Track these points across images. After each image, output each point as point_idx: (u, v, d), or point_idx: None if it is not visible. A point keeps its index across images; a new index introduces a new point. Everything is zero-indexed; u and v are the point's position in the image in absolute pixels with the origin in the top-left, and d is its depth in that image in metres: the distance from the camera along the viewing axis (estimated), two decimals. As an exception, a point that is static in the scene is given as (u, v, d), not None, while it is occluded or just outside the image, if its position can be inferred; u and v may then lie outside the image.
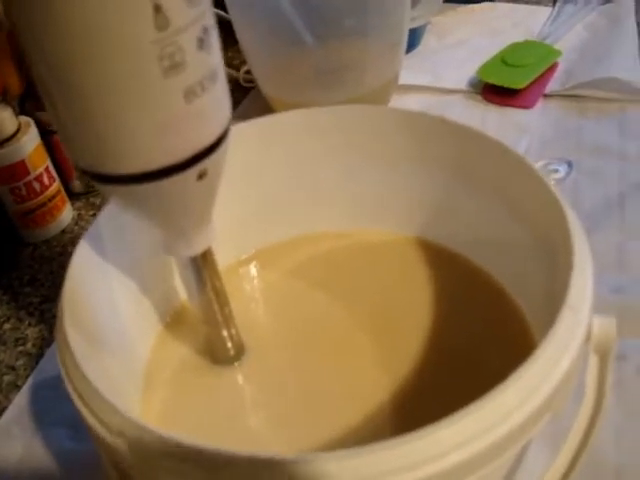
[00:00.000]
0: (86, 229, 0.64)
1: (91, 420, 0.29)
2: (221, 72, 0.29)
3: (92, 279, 0.37)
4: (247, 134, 0.42)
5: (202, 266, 0.35)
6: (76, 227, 0.68)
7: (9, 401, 0.51)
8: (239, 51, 0.70)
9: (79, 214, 0.69)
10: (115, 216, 0.39)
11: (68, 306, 0.33)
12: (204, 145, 0.29)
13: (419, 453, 0.24)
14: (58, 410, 0.49)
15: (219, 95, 0.29)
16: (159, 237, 0.34)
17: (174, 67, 0.26)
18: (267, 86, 0.71)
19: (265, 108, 0.73)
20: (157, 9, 0.24)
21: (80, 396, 0.30)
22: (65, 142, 0.30)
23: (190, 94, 0.27)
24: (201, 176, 0.30)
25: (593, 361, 0.32)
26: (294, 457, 0.24)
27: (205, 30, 0.27)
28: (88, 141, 0.28)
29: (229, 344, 0.40)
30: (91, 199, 0.71)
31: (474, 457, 0.25)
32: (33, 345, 0.56)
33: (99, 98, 0.26)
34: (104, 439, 0.28)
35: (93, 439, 0.36)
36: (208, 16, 0.27)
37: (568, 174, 0.61)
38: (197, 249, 0.34)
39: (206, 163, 0.29)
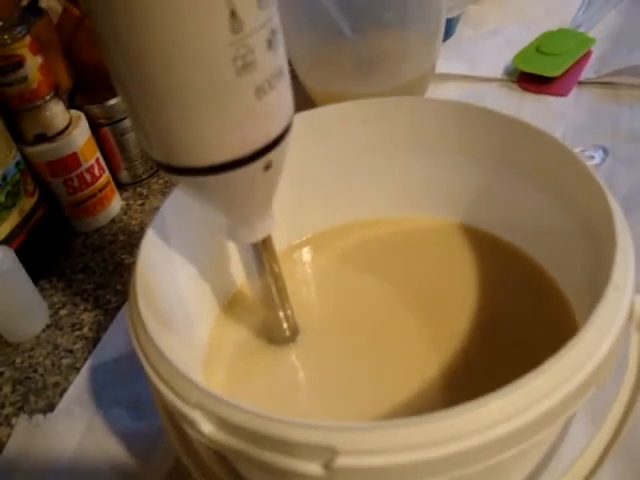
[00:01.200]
0: (134, 218, 0.67)
1: (164, 390, 0.30)
2: (286, 69, 0.31)
3: (158, 263, 0.39)
4: (302, 124, 0.43)
5: (262, 251, 0.37)
6: (125, 216, 0.70)
7: (69, 382, 0.53)
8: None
9: (127, 204, 0.72)
10: (179, 205, 0.41)
11: (140, 284, 0.35)
12: (271, 138, 0.31)
13: (468, 425, 0.26)
14: (117, 390, 0.51)
15: (284, 91, 0.31)
16: (223, 224, 0.36)
17: (246, 67, 0.28)
18: (307, 78, 0.72)
19: (305, 99, 0.74)
20: (233, 14, 0.26)
21: (154, 368, 0.31)
22: (139, 134, 0.32)
23: (260, 91, 0.29)
24: (267, 167, 0.31)
25: (635, 338, 0.33)
26: (352, 425, 0.26)
27: (273, 31, 0.29)
28: (162, 135, 0.30)
29: (285, 325, 0.42)
30: (138, 189, 0.73)
31: (520, 430, 0.26)
32: (89, 329, 0.58)
33: (175, 96, 0.28)
34: (177, 409, 0.30)
35: (160, 408, 0.38)
36: (275, 18, 0.29)
37: (603, 160, 0.62)
38: (259, 236, 0.36)
39: (272, 155, 0.31)
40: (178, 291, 0.41)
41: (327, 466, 0.26)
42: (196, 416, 0.29)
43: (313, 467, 0.27)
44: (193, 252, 0.42)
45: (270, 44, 0.29)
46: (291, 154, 0.36)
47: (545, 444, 0.36)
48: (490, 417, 0.26)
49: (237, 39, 0.27)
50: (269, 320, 0.42)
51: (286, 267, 0.41)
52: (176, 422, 0.36)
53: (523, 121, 0.41)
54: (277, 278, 0.39)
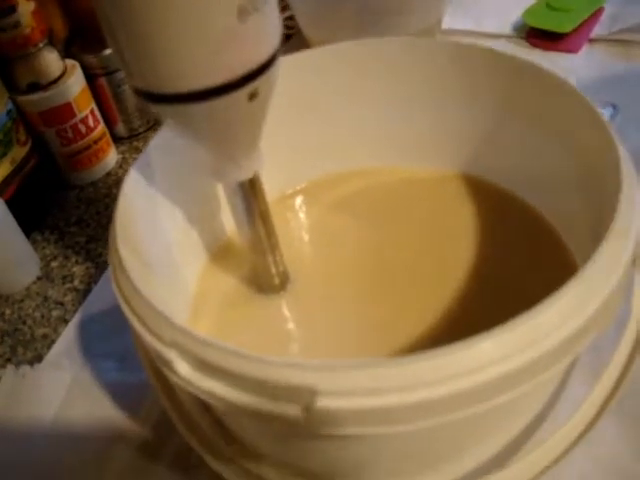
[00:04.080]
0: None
1: (142, 331, 0.29)
2: (272, -6, 0.29)
3: (142, 207, 0.37)
4: (297, 65, 0.42)
5: (250, 192, 0.36)
6: (120, 170, 0.69)
7: (58, 335, 0.53)
8: (281, -4, 0.70)
9: (123, 157, 0.70)
10: (164, 146, 0.39)
11: (120, 227, 0.34)
12: (256, 64, 0.29)
13: (458, 365, 0.25)
14: (105, 343, 0.50)
15: (270, 15, 0.29)
16: (209, 163, 0.35)
17: (228, -17, 0.26)
18: (310, 30, 0.71)
19: (306, 52, 0.73)
20: None
21: (134, 312, 0.30)
22: (120, 61, 0.30)
23: (243, 12, 0.27)
24: (252, 97, 0.30)
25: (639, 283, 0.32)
26: (336, 363, 0.25)
27: (257, -54, 0.27)
28: (142, 60, 0.29)
29: (274, 273, 0.40)
30: (134, 143, 0.72)
31: (518, 370, 0.25)
32: (80, 282, 0.57)
33: (154, 16, 0.27)
34: (155, 349, 0.29)
35: (144, 359, 0.37)
36: None
37: (613, 118, 0.60)
38: (246, 173, 0.35)
39: (257, 83, 0.30)
40: (163, 235, 0.39)
41: (307, 408, 0.25)
42: (172, 356, 0.28)
43: (293, 409, 0.25)
44: (181, 196, 0.40)
45: (254, -40, 0.27)
46: (285, 97, 0.35)
47: (543, 391, 0.35)
48: (482, 357, 0.25)
49: (217, -49, 0.25)
50: (258, 267, 0.40)
51: (278, 216, 0.40)
52: (158, 371, 0.35)
53: (529, 62, 0.39)
54: (266, 221, 0.38)
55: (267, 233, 0.38)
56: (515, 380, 0.26)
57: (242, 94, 0.29)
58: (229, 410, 0.30)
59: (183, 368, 0.28)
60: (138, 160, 0.38)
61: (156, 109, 0.31)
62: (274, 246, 0.39)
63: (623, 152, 0.33)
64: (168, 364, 0.28)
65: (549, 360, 0.26)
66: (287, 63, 0.32)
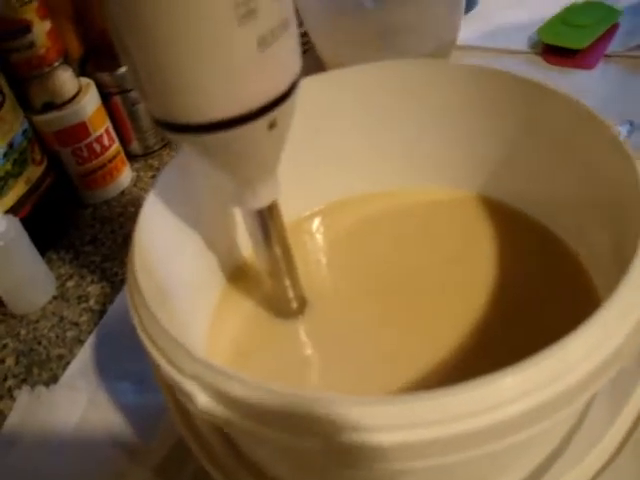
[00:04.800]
0: (145, 190, 0.66)
1: (163, 363, 0.29)
2: (292, 21, 0.29)
3: (160, 230, 0.37)
4: (315, 87, 0.42)
5: (268, 218, 0.36)
6: (135, 188, 0.69)
7: (73, 355, 0.53)
8: (295, 13, 0.70)
9: (138, 176, 0.70)
10: (182, 169, 0.39)
11: (139, 254, 0.34)
12: (275, 94, 0.29)
13: (480, 401, 0.24)
14: (121, 364, 0.50)
15: (290, 44, 0.29)
16: (227, 189, 0.34)
17: (249, 14, 0.26)
18: (324, 48, 0.71)
19: (321, 70, 0.72)
20: (234, -44, 0.25)
21: (151, 340, 0.30)
22: (139, 91, 0.30)
23: (263, 42, 0.27)
24: (271, 126, 0.30)
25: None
26: (359, 399, 0.25)
27: (278, -22, 0.27)
28: (161, 90, 0.28)
29: (292, 297, 0.40)
30: (149, 161, 0.72)
31: (539, 406, 0.24)
32: (96, 302, 0.57)
33: (174, 46, 0.27)
34: (176, 381, 0.28)
35: (161, 384, 0.37)
36: (280, -36, 0.27)
37: (630, 134, 0.60)
38: (264, 201, 0.35)
39: (276, 113, 0.29)
40: (181, 261, 0.39)
41: (329, 442, 0.25)
42: (192, 388, 0.28)
43: (314, 442, 0.25)
44: (198, 219, 0.40)
45: (275, -9, 0.27)
46: (303, 119, 0.34)
47: (563, 425, 0.34)
48: (505, 393, 0.24)
49: (238, -16, 0.25)
50: (276, 292, 0.40)
51: (296, 238, 0.40)
52: (176, 397, 0.35)
53: (548, 86, 0.39)
54: (284, 247, 0.37)
55: (285, 258, 0.38)
56: (536, 416, 0.25)
57: (261, 124, 0.29)
58: (250, 440, 0.30)
59: (203, 400, 0.27)
60: (156, 184, 0.38)
61: (174, 138, 0.31)
62: (292, 271, 0.39)
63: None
64: (188, 396, 0.28)
65: (571, 396, 0.26)
66: (305, 84, 0.32)
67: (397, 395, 0.34)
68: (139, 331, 0.31)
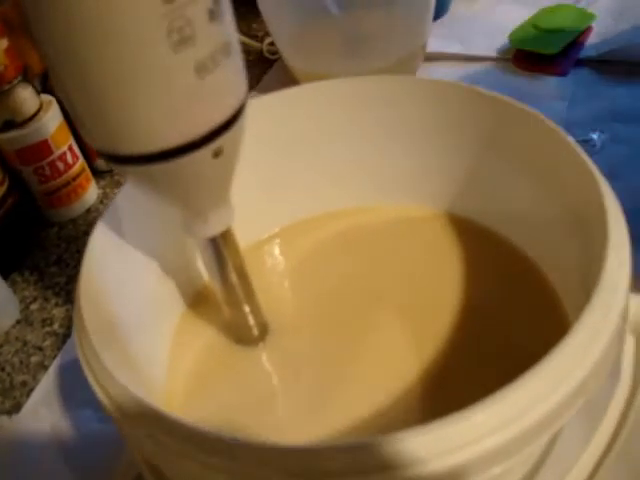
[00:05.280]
0: (111, 208, 0.64)
1: (109, 406, 0.28)
2: (235, 45, 0.28)
3: (111, 261, 0.36)
4: (267, 108, 0.41)
5: (222, 246, 0.34)
6: (101, 205, 0.67)
7: (37, 382, 0.51)
8: (262, 22, 0.69)
9: (104, 192, 0.69)
10: (133, 196, 0.38)
11: (85, 289, 0.32)
12: (218, 122, 0.28)
13: (452, 439, 0.23)
14: (85, 391, 0.47)
15: (233, 69, 0.28)
16: (178, 218, 0.33)
17: (184, 41, 0.25)
18: (292, 57, 0.70)
19: (289, 80, 0.71)
20: (164, -20, 0.23)
21: (97, 381, 0.29)
22: (77, 123, 0.29)
23: (202, 69, 0.26)
24: (217, 154, 0.28)
25: (630, 343, 0.31)
26: (316, 446, 0.24)
27: (216, 1, 0.26)
28: (99, 122, 0.27)
29: (252, 325, 0.39)
30: (116, 177, 0.70)
31: (509, 442, 0.24)
32: (60, 325, 0.56)
33: (107, 78, 0.25)
34: (123, 426, 0.28)
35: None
36: (219, -14, 0.26)
37: (603, 143, 0.59)
38: (216, 229, 0.33)
39: (221, 141, 0.28)
40: (136, 288, 0.38)
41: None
42: (137, 433, 0.26)
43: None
44: (152, 246, 0.39)
45: (212, 14, 0.25)
46: (261, 138, 0.33)
47: (534, 456, 0.33)
48: (473, 431, 0.24)
49: (171, 9, 0.24)
50: (235, 320, 0.39)
51: (255, 262, 0.39)
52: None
53: (511, 101, 0.38)
54: (240, 275, 0.36)
55: (242, 286, 0.37)
56: (506, 452, 0.24)
57: (206, 152, 0.28)
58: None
59: (148, 444, 0.26)
60: (105, 212, 0.37)
61: (118, 169, 0.29)
62: (250, 298, 0.38)
63: (611, 198, 0.31)
64: (138, 440, 0.27)
65: (539, 429, 0.25)
66: (258, 104, 0.31)
67: (359, 430, 0.34)
68: (84, 370, 0.30)
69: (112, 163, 0.29)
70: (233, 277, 0.36)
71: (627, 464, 0.35)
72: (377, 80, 0.42)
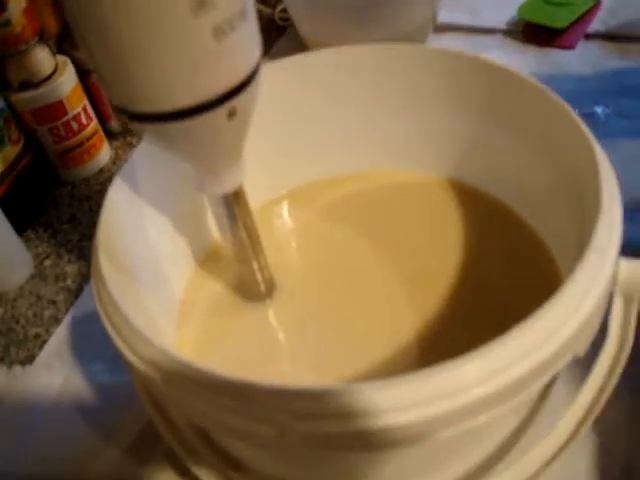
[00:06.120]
0: (123, 168, 0.66)
1: (126, 351, 0.30)
2: (251, 9, 0.29)
3: (127, 215, 0.37)
4: (280, 73, 0.42)
5: (234, 204, 0.36)
6: (114, 166, 0.69)
7: (50, 334, 0.53)
8: (275, -11, 0.70)
9: (117, 154, 0.70)
10: (149, 154, 0.39)
11: (103, 241, 0.34)
12: (233, 84, 0.29)
13: (442, 386, 0.25)
14: (97, 344, 0.50)
15: (249, 33, 0.29)
16: (192, 176, 0.35)
17: (203, 5, 0.26)
18: (303, 25, 0.70)
19: (300, 47, 0.72)
20: (186, -55, 0.24)
21: (115, 328, 0.30)
22: (99, 80, 0.30)
23: (219, 32, 0.27)
24: (231, 115, 0.30)
25: (618, 303, 0.32)
26: (321, 387, 0.25)
27: (234, -34, 0.27)
28: (120, 79, 0.28)
29: (260, 281, 0.40)
30: (128, 139, 0.72)
31: (496, 392, 0.25)
32: (73, 281, 0.57)
33: (129, 37, 0.26)
34: (139, 370, 0.29)
35: (128, 370, 0.37)
36: (237, -49, 0.27)
37: (607, 117, 0.60)
38: (228, 187, 0.35)
39: (236, 102, 0.29)
40: (149, 244, 0.39)
41: (284, 430, 0.25)
42: (153, 373, 0.28)
43: (271, 430, 0.26)
44: (166, 203, 0.40)
45: (231, -20, 0.27)
46: (270, 102, 0.34)
47: (523, 409, 0.35)
48: (465, 379, 0.25)
49: (191, -26, 0.25)
50: (244, 276, 0.40)
51: (263, 222, 0.40)
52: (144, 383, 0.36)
53: (513, 70, 0.39)
54: (250, 232, 0.38)
55: (251, 242, 0.38)
56: (496, 401, 0.26)
57: (220, 113, 0.29)
58: (211, 425, 0.30)
59: (164, 386, 0.28)
60: (122, 169, 0.38)
61: (135, 126, 0.31)
62: (259, 254, 0.39)
63: (605, 163, 0.32)
64: (150, 381, 0.28)
65: (527, 381, 0.26)
66: (269, 69, 0.32)
67: (362, 380, 0.35)
68: (102, 316, 0.31)
69: (130, 120, 0.30)
70: (243, 233, 0.37)
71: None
72: (382, 48, 0.43)
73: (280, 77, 0.42)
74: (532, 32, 0.72)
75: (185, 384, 0.27)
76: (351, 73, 0.44)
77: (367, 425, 0.25)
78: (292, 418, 0.25)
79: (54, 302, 0.56)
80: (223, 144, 0.32)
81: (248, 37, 0.29)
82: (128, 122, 0.31)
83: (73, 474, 0.43)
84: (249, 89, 0.30)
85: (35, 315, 0.55)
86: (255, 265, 0.39)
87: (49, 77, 0.61)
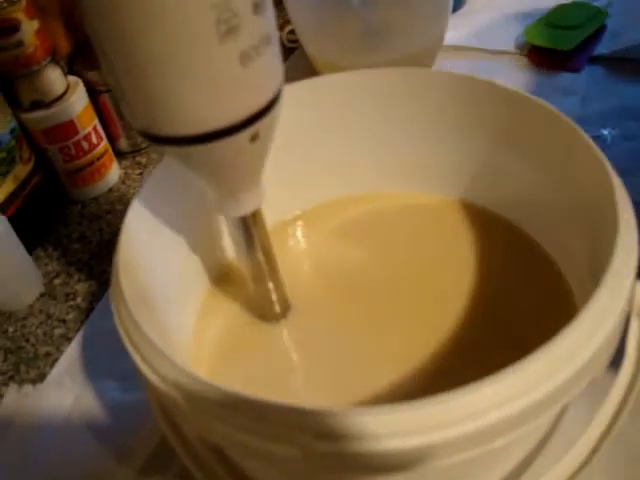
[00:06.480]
0: (133, 187, 0.66)
1: (145, 369, 0.30)
2: (275, 35, 0.29)
3: (145, 235, 0.38)
4: (295, 95, 0.42)
5: (252, 225, 0.36)
6: (123, 185, 0.69)
7: (60, 353, 0.53)
8: (282, 10, 0.70)
9: (126, 173, 0.71)
10: (167, 175, 0.39)
11: (123, 261, 0.34)
12: (257, 108, 0.29)
13: (459, 410, 0.25)
14: (108, 362, 0.50)
15: (273, 58, 0.30)
16: (211, 196, 0.35)
17: (230, 32, 0.26)
18: (311, 47, 0.71)
19: (308, 69, 0.72)
20: (215, -25, 0.25)
21: (134, 346, 0.31)
22: (122, 102, 0.30)
23: (245, 58, 0.27)
24: (253, 138, 0.30)
25: (635, 326, 0.32)
26: (336, 410, 0.25)
27: (259, -7, 0.27)
28: (143, 103, 0.29)
29: (275, 301, 0.41)
30: (137, 158, 0.72)
31: (512, 417, 0.25)
32: (83, 300, 0.57)
33: (156, 62, 0.27)
34: (157, 388, 0.29)
35: (145, 388, 0.37)
36: (263, -20, 0.28)
37: (613, 138, 0.60)
38: (247, 209, 0.35)
39: (259, 125, 0.30)
40: (166, 264, 0.40)
41: (307, 451, 0.25)
42: (173, 393, 0.28)
43: (292, 451, 0.26)
44: (183, 223, 0.41)
45: (256, 8, 0.27)
46: (287, 124, 0.34)
47: (538, 432, 0.35)
48: (482, 403, 0.25)
49: (220, 1, 0.26)
50: (259, 296, 0.41)
51: (278, 242, 0.40)
52: (159, 401, 0.36)
53: (526, 95, 0.39)
54: (267, 252, 0.38)
55: (268, 263, 0.38)
56: (512, 425, 0.26)
57: (244, 136, 0.30)
58: (230, 446, 0.30)
59: (184, 406, 0.28)
60: (141, 189, 0.38)
61: (157, 148, 0.31)
62: (274, 275, 0.39)
63: (620, 187, 0.33)
64: (170, 400, 0.28)
65: (544, 405, 0.26)
66: (287, 91, 0.32)
67: (377, 402, 0.35)
68: (123, 337, 0.32)
69: (152, 143, 0.31)
70: (259, 254, 0.38)
71: (626, 446, 0.37)
72: (396, 72, 0.44)
73: (295, 100, 0.42)
74: (538, 55, 0.73)
75: (205, 403, 0.27)
76: (364, 96, 0.44)
77: (376, 448, 0.25)
78: (312, 438, 0.25)
79: (64, 321, 0.56)
80: (244, 166, 0.32)
81: (272, 62, 0.30)
82: (150, 144, 0.31)
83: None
84: (272, 113, 0.30)
85: (45, 334, 0.55)
86: (270, 285, 0.40)
87: (60, 97, 0.62)
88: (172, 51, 0.27)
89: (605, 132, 0.60)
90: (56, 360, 0.52)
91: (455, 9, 0.78)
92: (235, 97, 0.28)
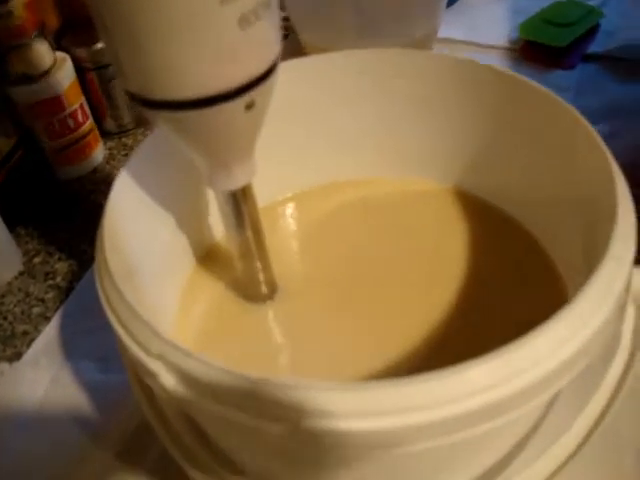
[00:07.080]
0: (117, 168, 0.65)
1: (128, 342, 0.29)
2: (274, 1, 0.29)
3: (131, 209, 0.37)
4: (293, 72, 0.42)
5: (241, 200, 0.35)
6: (108, 166, 0.68)
7: (38, 332, 0.52)
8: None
9: (111, 154, 0.70)
10: (156, 148, 0.39)
11: (108, 233, 0.33)
12: (254, 74, 0.29)
13: (445, 392, 0.24)
14: (86, 343, 0.50)
15: (272, 24, 0.29)
16: (201, 169, 0.34)
17: (231, -7, 0.26)
18: (305, 33, 0.70)
19: (300, 54, 0.71)
20: None
21: (118, 319, 0.30)
22: (116, 65, 0.29)
23: (244, 22, 0.27)
24: (249, 107, 0.29)
25: (630, 312, 0.32)
26: (324, 384, 0.25)
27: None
28: (139, 65, 0.28)
29: (262, 281, 0.40)
30: (123, 139, 0.71)
31: (503, 400, 0.25)
32: (62, 279, 0.56)
33: (154, 23, 0.26)
34: (140, 362, 0.28)
35: (126, 365, 0.36)
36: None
37: (603, 136, 0.60)
38: (238, 183, 0.34)
39: (255, 93, 0.29)
40: (152, 239, 0.39)
41: (293, 428, 0.25)
42: (158, 368, 0.27)
43: (278, 427, 0.25)
44: (170, 199, 0.40)
45: (258, -31, 0.26)
46: (280, 103, 0.34)
47: (529, 419, 0.34)
48: (470, 385, 0.24)
49: (221, -40, 0.25)
50: (246, 275, 0.40)
51: (268, 222, 0.39)
52: (141, 378, 0.35)
53: (526, 80, 0.39)
54: (256, 229, 0.37)
55: (256, 241, 0.38)
56: (500, 409, 0.25)
57: (239, 104, 0.29)
58: (214, 424, 0.30)
59: (167, 380, 0.27)
60: (128, 162, 0.37)
61: (149, 115, 0.30)
62: (263, 254, 0.39)
63: (619, 173, 0.32)
64: (152, 376, 0.27)
65: (535, 391, 0.26)
66: (283, 68, 0.31)
67: (364, 382, 0.34)
68: (106, 309, 0.31)
69: (146, 108, 0.30)
70: (249, 231, 0.37)
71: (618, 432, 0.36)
72: (398, 53, 0.43)
73: (290, 78, 0.41)
74: (531, 51, 0.72)
75: (190, 377, 0.26)
76: (362, 77, 0.44)
77: (362, 426, 0.24)
78: (303, 415, 0.25)
79: (43, 300, 0.55)
80: (238, 136, 0.32)
81: (271, 28, 0.29)
82: (142, 109, 0.30)
83: (61, 475, 0.42)
84: (268, 82, 0.30)
85: (23, 312, 0.54)
86: (258, 265, 0.39)
87: (47, 72, 0.61)
88: (170, 11, 0.26)
89: (597, 130, 0.60)
90: (33, 339, 0.51)
91: (450, 3, 0.78)
92: (232, 62, 0.28)
